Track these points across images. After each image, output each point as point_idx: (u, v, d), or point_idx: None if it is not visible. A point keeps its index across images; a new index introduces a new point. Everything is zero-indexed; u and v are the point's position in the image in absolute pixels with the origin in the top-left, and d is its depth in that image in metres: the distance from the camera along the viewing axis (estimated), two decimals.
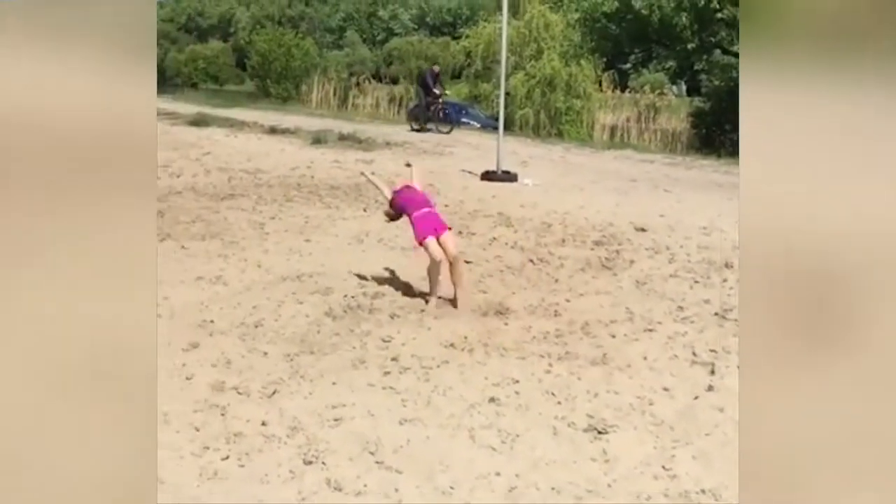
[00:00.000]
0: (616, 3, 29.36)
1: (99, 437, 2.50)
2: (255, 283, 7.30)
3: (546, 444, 4.28)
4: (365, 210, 10.65)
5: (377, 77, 48.61)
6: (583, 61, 30.07)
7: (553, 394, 4.94)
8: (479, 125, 28.55)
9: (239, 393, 4.77)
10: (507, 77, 36.20)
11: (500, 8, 43.33)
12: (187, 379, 4.95)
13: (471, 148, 18.73)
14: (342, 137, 18.26)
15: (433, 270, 6.60)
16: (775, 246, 2.57)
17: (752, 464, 2.52)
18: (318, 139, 17.66)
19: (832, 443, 2.45)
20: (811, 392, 2.49)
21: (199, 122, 20.04)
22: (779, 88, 2.60)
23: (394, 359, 5.45)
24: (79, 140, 2.64)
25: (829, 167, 2.57)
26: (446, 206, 11.10)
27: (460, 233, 9.59)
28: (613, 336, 6.05)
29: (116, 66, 2.67)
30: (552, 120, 32.86)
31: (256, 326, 6.06)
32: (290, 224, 9.72)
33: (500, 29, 35.33)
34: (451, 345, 5.77)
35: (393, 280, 7.57)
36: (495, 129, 28.60)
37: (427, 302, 6.68)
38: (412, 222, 6.76)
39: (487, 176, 13.48)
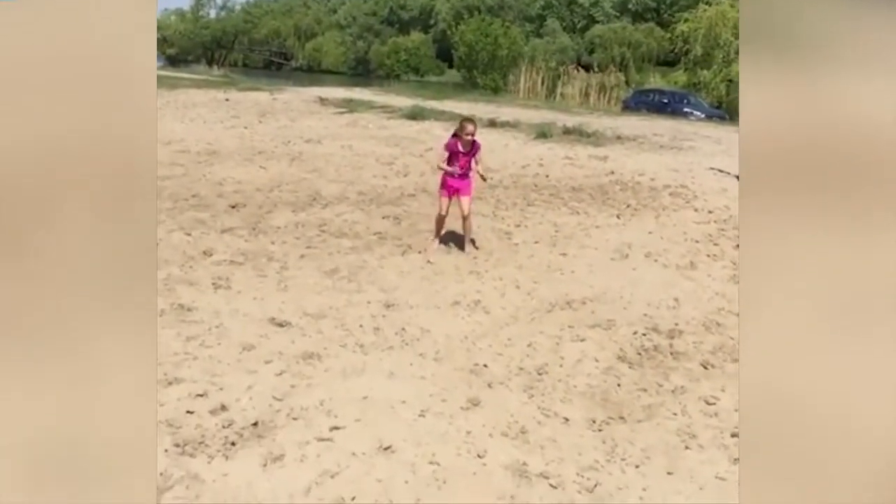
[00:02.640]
0: None
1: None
2: (519, 310, 6.19)
3: None
4: (618, 217, 9.37)
5: (582, 66, 47.00)
6: None
7: None
8: (703, 115, 26.47)
9: (552, 485, 3.62)
10: (730, 63, 34.01)
11: None
12: (479, 458, 3.85)
13: (711, 142, 16.96)
14: (567, 131, 16.97)
15: (438, 221, 7.85)
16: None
17: None
18: (542, 133, 16.46)
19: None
20: None
21: (415, 115, 19.29)
22: None
23: (734, 434, 4.16)
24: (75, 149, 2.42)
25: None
26: (710, 212, 9.69)
27: (737, 246, 8.16)
28: None
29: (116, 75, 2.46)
30: None
31: (540, 374, 4.93)
32: (538, 233, 8.57)
33: (723, 12, 33.11)
34: None
35: (681, 309, 6.28)
36: (722, 118, 26.71)
37: (427, 249, 7.74)
38: (444, 179, 7.72)
39: None
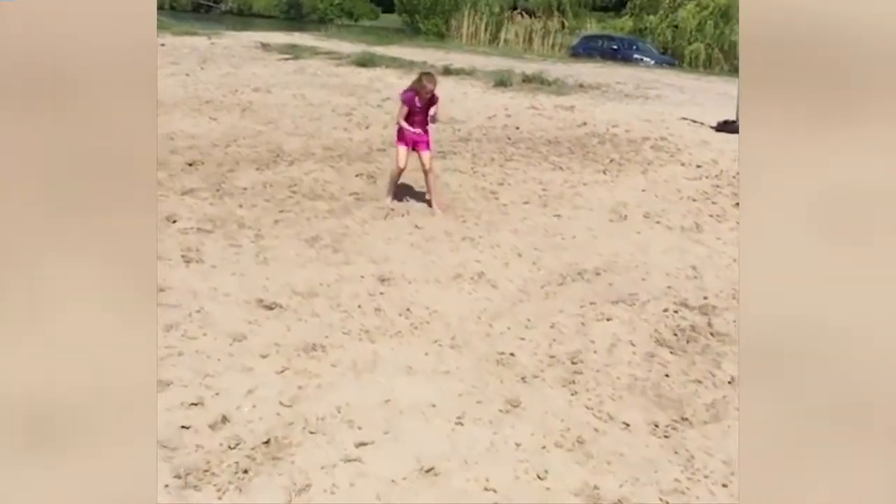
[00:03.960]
0: None
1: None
2: (528, 283, 5.58)
3: None
4: (605, 173, 8.78)
5: (525, 11, 46.01)
6: None
7: None
8: (652, 61, 25.98)
9: None
10: (676, 8, 33.50)
11: None
12: (540, 479, 3.24)
13: (675, 90, 16.45)
14: (526, 79, 16.26)
15: (395, 175, 7.35)
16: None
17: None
18: (501, 81, 15.73)
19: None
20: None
21: (365, 61, 18.29)
22: None
23: None
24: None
25: None
26: (699, 166, 9.17)
27: (736, 204, 7.66)
28: None
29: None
30: (726, 55, 29.97)
31: (574, 363, 4.34)
32: (525, 192, 7.94)
33: None
34: None
35: (704, 280, 5.74)
36: (671, 64, 26.29)
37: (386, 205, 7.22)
38: (401, 130, 7.21)
39: (726, 127, 11.28)
